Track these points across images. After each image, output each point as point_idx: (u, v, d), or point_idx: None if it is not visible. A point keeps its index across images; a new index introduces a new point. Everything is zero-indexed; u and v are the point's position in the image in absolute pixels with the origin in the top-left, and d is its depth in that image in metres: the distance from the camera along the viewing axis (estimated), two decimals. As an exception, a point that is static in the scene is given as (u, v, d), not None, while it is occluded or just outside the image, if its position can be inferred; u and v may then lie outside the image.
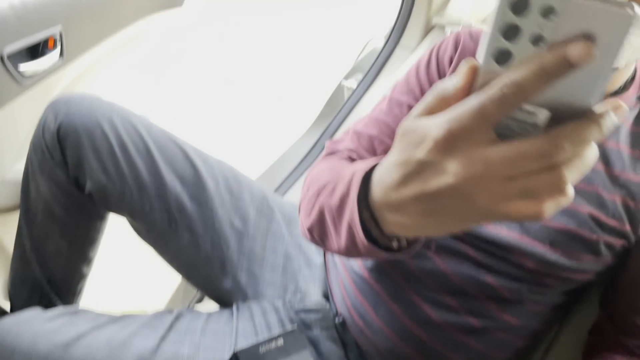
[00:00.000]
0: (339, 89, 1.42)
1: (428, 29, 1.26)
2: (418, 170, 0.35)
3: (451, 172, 0.32)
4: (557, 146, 0.29)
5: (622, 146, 0.71)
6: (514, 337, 0.77)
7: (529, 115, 0.31)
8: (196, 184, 0.88)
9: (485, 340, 0.75)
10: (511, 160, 0.30)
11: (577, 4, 0.27)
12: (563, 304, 0.78)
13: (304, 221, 0.61)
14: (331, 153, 0.80)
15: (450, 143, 0.32)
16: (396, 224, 0.40)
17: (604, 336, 0.77)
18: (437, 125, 0.32)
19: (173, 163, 0.88)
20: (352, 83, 1.36)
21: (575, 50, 0.27)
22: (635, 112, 0.72)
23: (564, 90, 0.29)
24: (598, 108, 0.30)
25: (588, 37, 0.28)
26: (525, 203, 0.32)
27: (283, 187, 1.22)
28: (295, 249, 0.94)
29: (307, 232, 0.61)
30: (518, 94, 0.28)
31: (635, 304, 0.73)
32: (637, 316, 0.72)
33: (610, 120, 0.29)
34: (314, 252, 0.95)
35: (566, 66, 0.27)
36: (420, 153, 0.34)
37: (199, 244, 0.88)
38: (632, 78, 0.74)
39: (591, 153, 0.31)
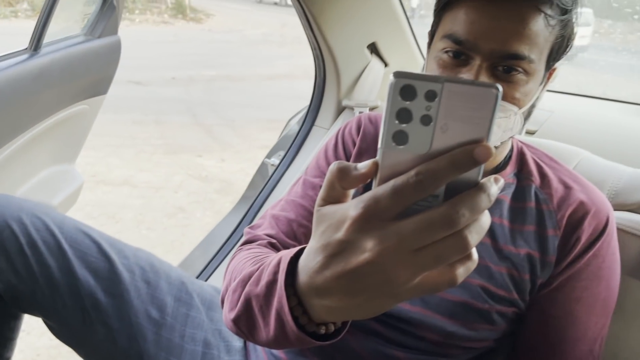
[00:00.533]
0: (263, 167, 1.47)
1: (340, 111, 1.36)
2: (339, 250, 0.36)
3: (368, 248, 0.34)
4: (457, 212, 0.33)
5: (504, 221, 0.78)
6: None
7: None
8: (111, 277, 0.88)
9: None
10: (420, 230, 0.33)
11: (453, 88, 0.32)
12: None
13: (228, 314, 0.61)
14: (250, 240, 0.82)
15: (367, 221, 0.34)
16: (323, 308, 0.40)
17: None
18: (354, 205, 0.35)
19: (86, 258, 0.88)
20: (275, 161, 1.42)
21: (480, 152, 0.32)
22: (512, 189, 0.80)
23: None
24: (483, 180, 0.35)
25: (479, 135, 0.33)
26: (439, 272, 0.35)
27: (207, 270, 1.23)
28: (214, 336, 0.94)
29: (232, 325, 0.60)
30: (433, 181, 0.33)
31: None
32: None
33: (494, 189, 0.34)
34: (234, 337, 0.96)
35: (473, 163, 0.33)
36: (340, 233, 0.36)
37: (115, 338, 0.87)
38: (510, 157, 0.82)
39: (486, 218, 0.35)
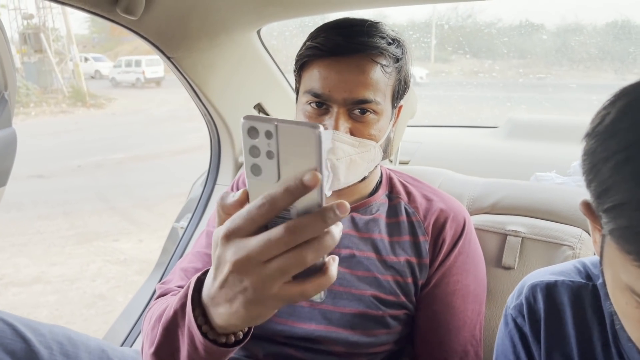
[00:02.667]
0: (173, 231, 1.53)
1: (238, 167, 1.47)
2: (217, 264, 0.44)
3: (228, 260, 0.42)
4: (292, 233, 0.39)
5: (384, 236, 0.91)
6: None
7: (285, 211, 0.41)
8: (29, 356, 0.89)
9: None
10: (263, 245, 0.40)
11: (284, 128, 0.38)
12: None
13: (148, 351, 0.65)
14: (163, 294, 0.88)
15: (227, 239, 0.42)
16: (218, 316, 0.47)
17: None
18: (223, 227, 0.42)
19: (1, 341, 0.89)
20: (183, 224, 1.48)
21: (308, 178, 0.40)
22: (386, 208, 0.94)
23: None
24: (325, 206, 0.40)
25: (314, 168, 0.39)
26: (291, 285, 0.42)
27: (130, 337, 1.24)
28: (139, 395, 0.96)
29: (154, 358, 0.64)
30: (274, 205, 0.39)
31: (432, 357, 0.89)
32: None
33: (333, 213, 0.40)
34: None
35: (304, 189, 0.39)
36: (217, 251, 0.43)
37: (37, 416, 0.87)
38: (380, 182, 0.97)
39: (328, 237, 0.41)
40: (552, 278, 0.67)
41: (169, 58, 1.15)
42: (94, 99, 13.67)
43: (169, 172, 6.39)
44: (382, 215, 0.93)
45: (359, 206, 0.93)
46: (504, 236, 1.03)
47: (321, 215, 0.40)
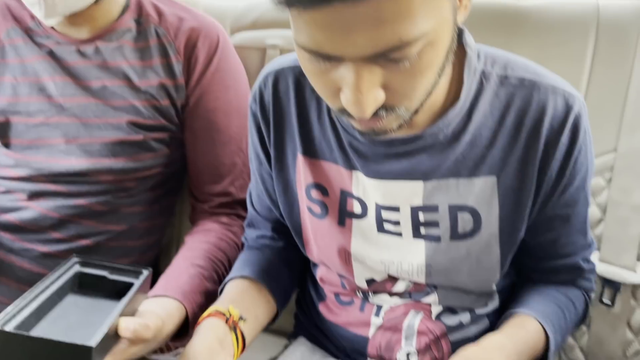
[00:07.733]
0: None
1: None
2: None
3: None
4: None
5: (133, 62, 0.89)
6: (127, 241, 0.93)
7: None
8: None
9: (102, 254, 0.88)
10: None
11: None
12: (156, 198, 0.96)
13: None
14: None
15: None
16: None
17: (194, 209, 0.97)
18: None
19: None
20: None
21: None
22: (133, 34, 0.90)
23: None
24: None
25: None
26: None
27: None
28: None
29: None
30: None
31: (201, 176, 0.94)
32: (208, 186, 0.93)
33: None
34: None
35: None
36: None
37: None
38: (127, 6, 0.90)
39: None
40: (282, 66, 0.72)
41: None
42: None
43: None
44: (129, 41, 0.89)
45: (102, 34, 0.88)
46: (263, 50, 1.07)
47: None
